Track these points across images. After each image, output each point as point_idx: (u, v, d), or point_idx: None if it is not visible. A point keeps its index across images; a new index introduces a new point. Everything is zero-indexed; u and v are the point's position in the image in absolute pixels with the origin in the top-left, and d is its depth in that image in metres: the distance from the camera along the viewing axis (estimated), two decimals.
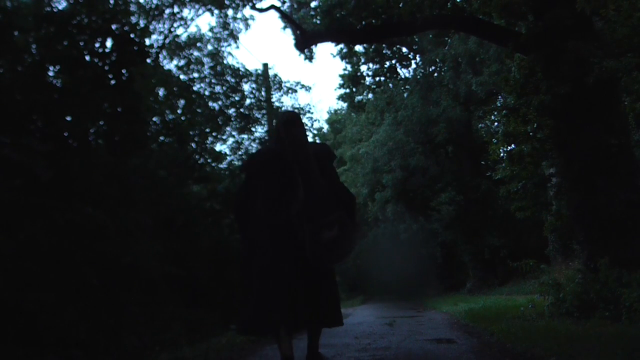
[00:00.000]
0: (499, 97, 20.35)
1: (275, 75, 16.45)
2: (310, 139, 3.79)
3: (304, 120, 16.95)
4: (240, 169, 4.64)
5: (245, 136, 15.57)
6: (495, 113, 18.76)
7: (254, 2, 14.72)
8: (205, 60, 15.12)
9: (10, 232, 5.60)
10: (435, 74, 24.05)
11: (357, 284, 31.42)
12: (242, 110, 15.16)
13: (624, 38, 7.12)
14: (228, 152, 15.36)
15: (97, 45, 8.02)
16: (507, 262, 10.00)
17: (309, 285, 3.20)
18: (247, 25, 16.46)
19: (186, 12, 20.54)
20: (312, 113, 17.16)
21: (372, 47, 19.96)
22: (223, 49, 15.67)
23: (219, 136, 14.93)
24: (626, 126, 8.37)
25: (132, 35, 8.47)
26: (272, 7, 13.30)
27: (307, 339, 3.49)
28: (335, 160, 3.83)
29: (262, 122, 15.51)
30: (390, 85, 24.74)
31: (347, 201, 3.45)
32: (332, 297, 3.42)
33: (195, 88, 14.25)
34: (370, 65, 23.70)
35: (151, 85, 9.83)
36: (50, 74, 7.54)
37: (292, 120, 3.32)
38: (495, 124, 22.31)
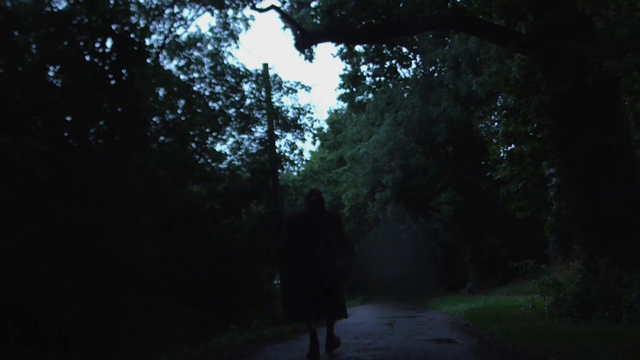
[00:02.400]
0: (499, 97, 20.34)
1: (275, 76, 16.33)
2: (326, 205, 6.01)
3: (305, 120, 17.01)
4: (283, 224, 7.01)
5: (245, 136, 15.52)
6: (495, 113, 18.78)
7: (254, 2, 14.64)
8: (205, 60, 15.05)
9: (10, 232, 5.60)
10: (435, 74, 24.05)
11: (357, 284, 31.40)
12: (242, 110, 15.11)
13: (624, 38, 7.11)
14: (228, 152, 15.34)
15: (97, 45, 8.02)
16: (507, 262, 9.99)
17: (326, 293, 5.27)
18: (247, 25, 16.34)
19: (186, 12, 20.53)
20: (312, 113, 17.03)
21: (372, 47, 19.95)
22: (223, 49, 15.58)
23: (219, 136, 14.89)
24: (626, 126, 8.36)
25: (132, 36, 8.48)
26: (272, 7, 13.29)
27: (326, 327, 5.52)
28: (342, 220, 6.63)
29: (262, 122, 15.47)
30: (390, 85, 24.74)
31: (348, 246, 5.84)
32: (340, 299, 5.47)
33: (195, 88, 14.20)
34: (370, 65, 23.70)
35: (151, 85, 9.82)
36: (50, 74, 7.54)
37: (319, 200, 5.55)
38: (495, 124, 22.33)
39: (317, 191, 5.88)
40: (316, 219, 5.42)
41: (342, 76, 25.20)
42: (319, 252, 5.26)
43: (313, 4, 13.02)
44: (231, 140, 15.43)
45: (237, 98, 15.07)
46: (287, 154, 16.37)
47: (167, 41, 14.01)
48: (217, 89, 14.85)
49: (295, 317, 5.56)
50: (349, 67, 24.12)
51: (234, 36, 15.39)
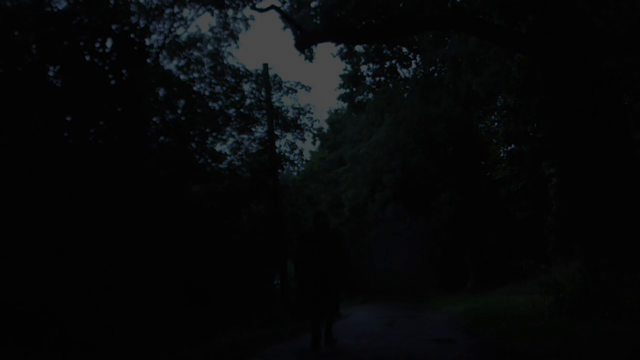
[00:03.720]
0: (499, 97, 20.33)
1: (275, 76, 16.27)
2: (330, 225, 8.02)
3: (305, 120, 17.00)
4: (297, 239, 8.18)
5: (245, 136, 15.48)
6: (495, 113, 18.72)
7: (254, 2, 14.57)
8: (205, 60, 14.98)
9: (11, 232, 5.61)
10: (435, 74, 24.02)
11: (357, 284, 31.35)
12: (242, 110, 15.08)
13: (624, 38, 7.10)
14: (228, 152, 15.31)
15: (97, 45, 8.02)
16: (507, 262, 9.99)
17: (325, 294, 6.38)
18: (247, 25, 16.24)
19: (186, 12, 20.46)
20: (312, 113, 17.03)
21: (372, 47, 19.90)
22: (223, 49, 15.53)
23: (219, 136, 14.86)
24: (626, 126, 8.36)
25: (132, 36, 8.48)
26: (272, 7, 13.25)
27: (326, 324, 6.48)
28: (342, 237, 8.41)
29: (262, 122, 15.45)
30: (391, 85, 24.68)
31: (346, 257, 7.49)
32: (337, 299, 6.58)
33: (195, 88, 14.16)
34: (370, 65, 23.61)
35: (151, 85, 9.81)
36: (50, 74, 7.54)
37: (325, 221, 6.92)
38: (495, 124, 22.29)
39: (323, 213, 7.38)
40: (322, 237, 6.69)
41: (342, 76, 25.10)
42: (324, 263, 6.44)
43: (313, 4, 12.99)
44: (231, 140, 15.39)
45: (237, 98, 15.04)
46: (287, 154, 16.36)
47: (167, 41, 13.96)
48: (217, 89, 14.82)
49: (306, 316, 6.60)
50: (349, 67, 24.05)
51: (234, 36, 15.34)
